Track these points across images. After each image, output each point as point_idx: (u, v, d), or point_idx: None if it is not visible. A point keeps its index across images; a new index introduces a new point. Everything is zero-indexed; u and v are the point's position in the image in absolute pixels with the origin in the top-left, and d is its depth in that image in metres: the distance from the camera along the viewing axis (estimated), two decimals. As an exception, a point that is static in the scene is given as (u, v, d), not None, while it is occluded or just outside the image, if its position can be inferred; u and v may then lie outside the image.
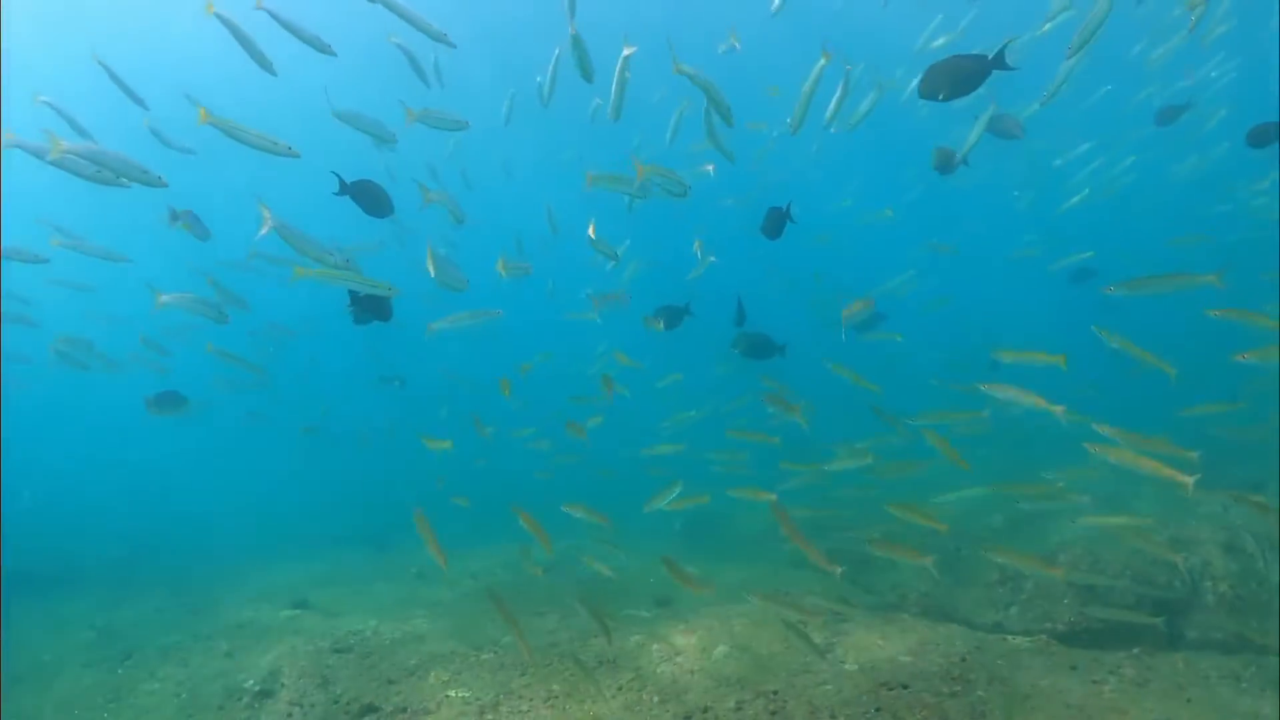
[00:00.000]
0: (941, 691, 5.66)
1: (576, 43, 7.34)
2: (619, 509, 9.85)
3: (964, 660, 6.09)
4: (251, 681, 7.30)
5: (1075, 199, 16.52)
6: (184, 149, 10.57)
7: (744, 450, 10.17)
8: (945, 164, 8.57)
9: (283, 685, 7.06)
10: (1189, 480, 5.76)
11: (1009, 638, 6.63)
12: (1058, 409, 6.41)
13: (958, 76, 6.00)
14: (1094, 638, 7.04)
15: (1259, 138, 7.93)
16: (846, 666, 6.14)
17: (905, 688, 5.74)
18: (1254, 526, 7.42)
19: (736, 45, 10.29)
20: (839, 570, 6.08)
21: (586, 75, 7.56)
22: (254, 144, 6.04)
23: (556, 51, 8.36)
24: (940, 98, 6.11)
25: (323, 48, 7.75)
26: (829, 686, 5.85)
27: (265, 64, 7.62)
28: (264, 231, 6.02)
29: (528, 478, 13.18)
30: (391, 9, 7.21)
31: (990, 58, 5.93)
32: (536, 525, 6.95)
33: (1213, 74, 15.55)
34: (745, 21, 12.16)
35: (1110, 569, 7.38)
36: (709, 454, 10.50)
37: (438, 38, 7.45)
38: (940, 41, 13.16)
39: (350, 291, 6.53)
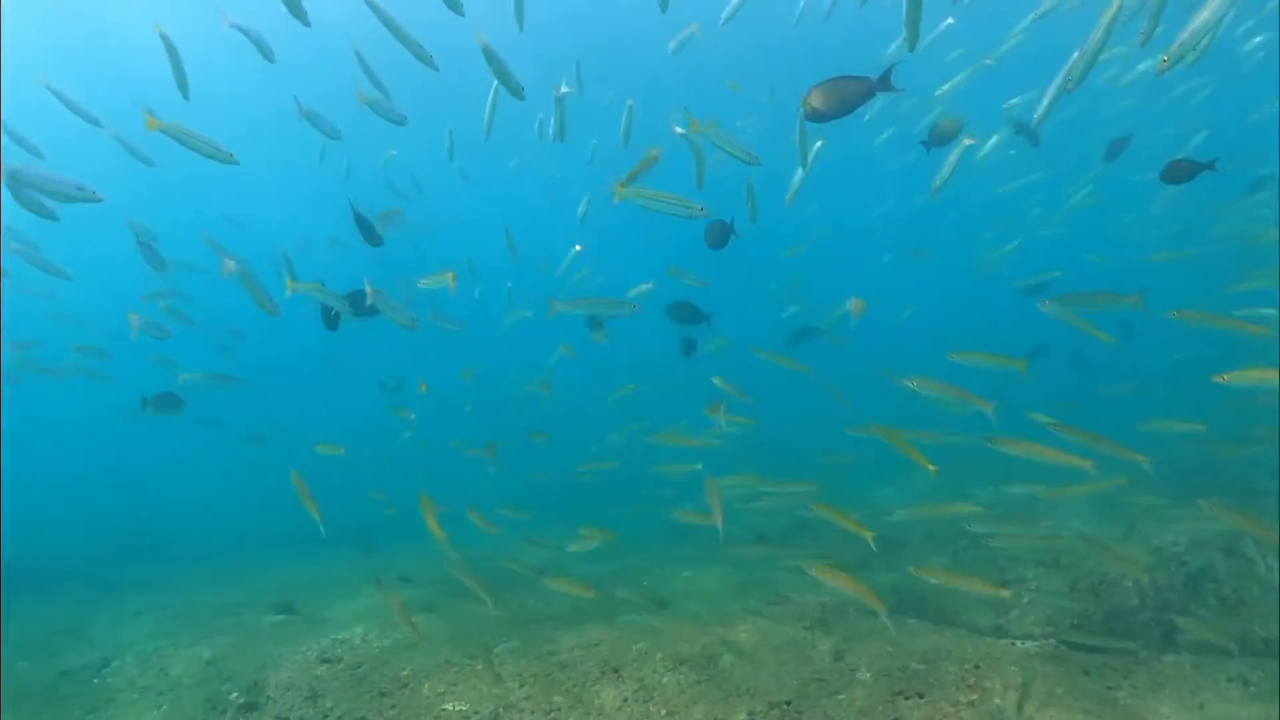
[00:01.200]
0: (959, 700, 5.33)
1: (490, 56, 6.80)
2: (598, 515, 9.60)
3: (978, 668, 5.77)
4: (236, 694, 6.80)
5: (1008, 246, 16.26)
6: (145, 159, 10.38)
7: (698, 461, 9.68)
8: (941, 138, 8.24)
9: (268, 698, 6.57)
10: (1089, 464, 5.59)
11: (1017, 643, 6.33)
12: (987, 406, 6.13)
13: (841, 97, 5.75)
14: (1098, 640, 6.77)
15: (1174, 175, 7.56)
16: (859, 675, 5.79)
17: (922, 697, 5.40)
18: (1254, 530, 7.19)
19: (696, 32, 9.86)
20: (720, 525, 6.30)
21: (514, 93, 7.06)
22: (200, 150, 6.27)
23: (495, 84, 7.86)
24: (822, 119, 5.85)
25: (268, 55, 8.18)
26: (843, 696, 5.50)
27: (184, 86, 7.74)
28: (224, 274, 6.90)
29: (479, 487, 12.75)
30: (388, 27, 6.73)
31: (876, 80, 5.67)
32: (434, 516, 7.20)
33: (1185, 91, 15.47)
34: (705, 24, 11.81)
35: (1111, 573, 7.10)
36: (654, 468, 9.98)
37: (425, 60, 6.94)
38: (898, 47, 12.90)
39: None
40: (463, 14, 6.95)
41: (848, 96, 5.72)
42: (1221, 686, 5.82)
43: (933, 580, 5.98)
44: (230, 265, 6.91)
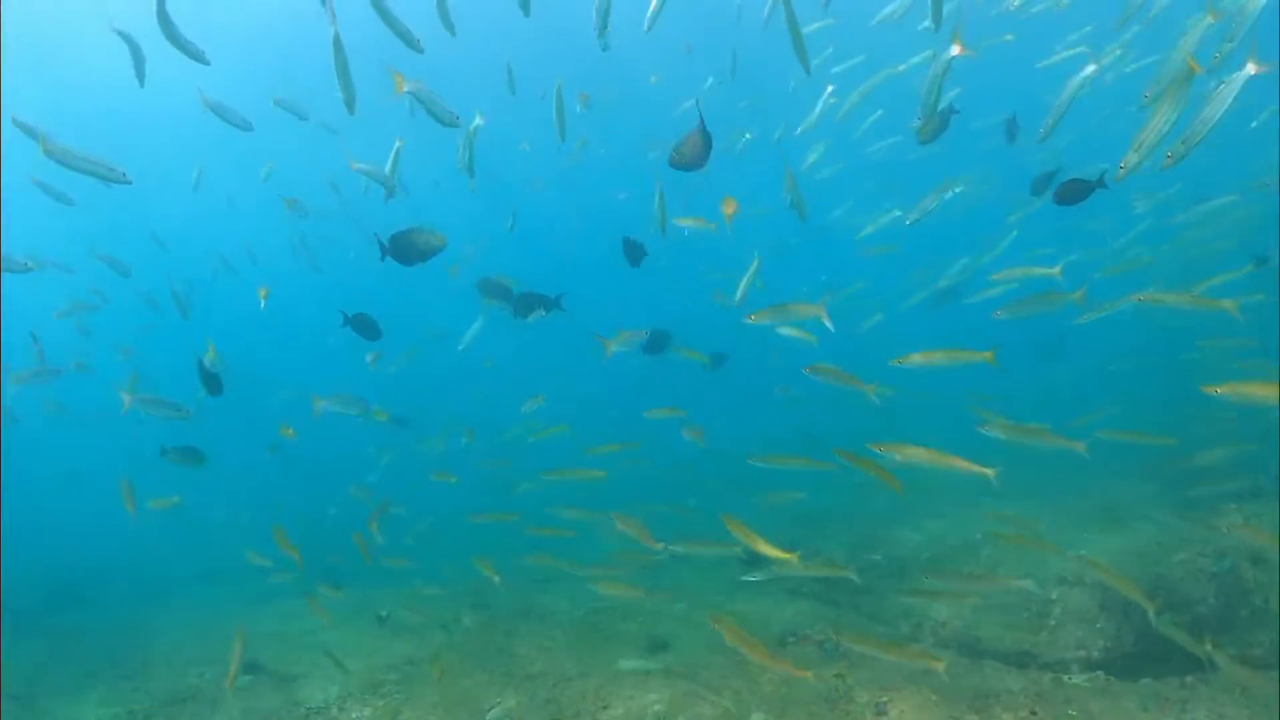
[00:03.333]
0: (1026, 758, 4.60)
1: (422, 94, 6.27)
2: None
3: (1034, 713, 5.04)
4: (201, 783, 5.76)
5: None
6: (62, 197, 9.91)
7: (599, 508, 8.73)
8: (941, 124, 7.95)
9: (239, 787, 5.54)
10: (992, 472, 4.93)
11: (1064, 678, 5.63)
12: (869, 388, 5.86)
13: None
14: (1131, 663, 6.15)
15: (1066, 196, 7.08)
16: (908, 732, 5.02)
17: (984, 757, 4.66)
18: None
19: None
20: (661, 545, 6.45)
21: (447, 121, 6.47)
22: (90, 171, 5.82)
23: (398, 144, 7.51)
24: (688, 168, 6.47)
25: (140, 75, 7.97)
26: (896, 760, 4.72)
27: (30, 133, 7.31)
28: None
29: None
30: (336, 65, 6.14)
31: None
32: (287, 541, 7.41)
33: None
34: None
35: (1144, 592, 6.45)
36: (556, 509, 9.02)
37: (347, 98, 6.41)
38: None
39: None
40: (420, 50, 6.56)
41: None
42: (1275, 708, 5.23)
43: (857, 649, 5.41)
44: (127, 401, 7.59)
